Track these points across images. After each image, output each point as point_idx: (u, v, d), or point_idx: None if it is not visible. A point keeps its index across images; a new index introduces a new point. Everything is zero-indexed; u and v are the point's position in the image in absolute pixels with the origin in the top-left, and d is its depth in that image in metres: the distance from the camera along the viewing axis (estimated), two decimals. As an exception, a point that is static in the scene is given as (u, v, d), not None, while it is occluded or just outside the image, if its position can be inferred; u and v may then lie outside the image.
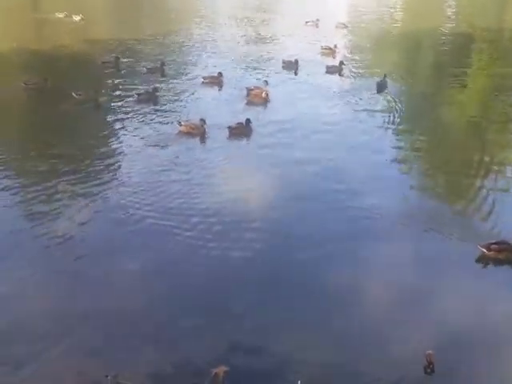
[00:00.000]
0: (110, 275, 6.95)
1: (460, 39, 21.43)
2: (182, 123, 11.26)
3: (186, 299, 6.61)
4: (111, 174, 9.51)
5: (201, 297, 6.63)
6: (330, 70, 15.41)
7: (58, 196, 8.79)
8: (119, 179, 9.28)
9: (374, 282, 7.01)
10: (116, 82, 14.48)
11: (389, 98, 13.65)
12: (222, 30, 22.14)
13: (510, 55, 19.24)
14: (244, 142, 11.02)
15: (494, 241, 7.31)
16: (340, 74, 15.33)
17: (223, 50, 18.20)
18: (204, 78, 14.28)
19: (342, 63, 15.53)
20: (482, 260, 7.30)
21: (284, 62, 15.61)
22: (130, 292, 6.67)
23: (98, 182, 9.21)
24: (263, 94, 13.08)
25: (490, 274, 7.26)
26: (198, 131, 11.11)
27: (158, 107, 12.75)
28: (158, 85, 13.80)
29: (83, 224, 8.00)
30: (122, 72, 15.43)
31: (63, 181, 9.20)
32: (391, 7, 29.33)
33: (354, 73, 15.74)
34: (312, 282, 6.92)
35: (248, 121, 11.18)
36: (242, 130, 11.16)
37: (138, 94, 13.17)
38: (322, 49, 17.76)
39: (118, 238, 7.77)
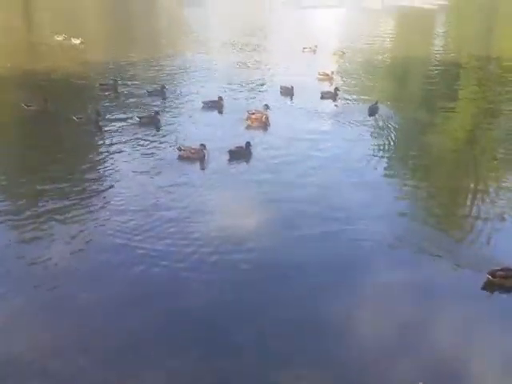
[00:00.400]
0: (96, 304, 6.76)
1: (448, 67, 22.08)
2: (182, 148, 11.25)
3: (174, 333, 6.38)
4: (106, 198, 9.46)
5: (189, 330, 6.39)
6: (326, 96, 15.71)
7: (47, 221, 8.64)
8: (113, 204, 9.19)
9: (371, 312, 6.90)
10: (116, 104, 14.66)
11: (380, 122, 13.96)
12: (218, 55, 22.47)
13: (497, 82, 19.93)
14: (243, 165, 11.10)
15: (499, 267, 7.30)
16: (334, 100, 15.59)
17: (221, 75, 18.49)
18: (204, 102, 14.48)
19: (336, 89, 15.85)
20: (488, 287, 7.23)
21: (282, 88, 15.83)
22: (114, 324, 6.46)
23: (91, 207, 9.14)
24: (263, 118, 13.30)
25: (496, 301, 7.23)
26: (198, 156, 11.14)
27: (159, 131, 12.84)
28: (158, 108, 13.93)
29: (72, 252, 7.81)
30: (122, 95, 15.58)
31: (56, 206, 9.04)
32: (382, 36, 30.15)
33: (348, 98, 16.04)
34: (306, 315, 6.75)
35: (248, 144, 11.35)
36: (241, 153, 11.29)
37: (140, 118, 13.27)
38: (319, 75, 18.13)
39: (106, 267, 7.56)
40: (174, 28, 29.64)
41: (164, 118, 13.51)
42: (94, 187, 9.90)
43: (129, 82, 16.98)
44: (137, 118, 13.33)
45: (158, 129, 13.01)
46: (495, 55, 25.37)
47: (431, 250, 8.14)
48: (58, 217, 8.78)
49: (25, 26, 28.00)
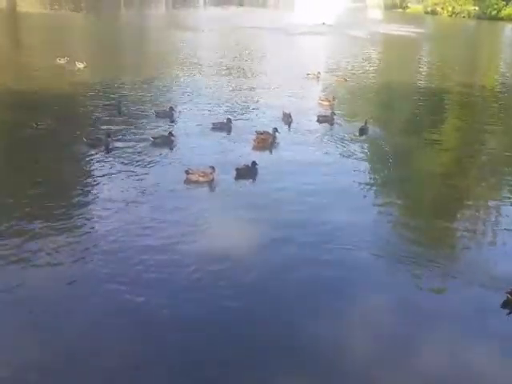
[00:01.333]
0: (77, 334, 6.63)
1: (435, 92, 23.48)
2: (190, 171, 11.38)
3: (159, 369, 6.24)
4: (110, 221, 9.47)
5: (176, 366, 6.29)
6: (322, 120, 16.48)
7: (33, 244, 8.57)
8: (115, 228, 9.18)
9: (384, 339, 6.89)
10: (125, 126, 14.95)
11: (369, 142, 15.11)
12: (220, 77, 23.11)
13: (480, 108, 21.32)
14: (249, 185, 11.63)
15: None
16: (331, 124, 16.35)
17: (225, 98, 19.13)
18: (214, 123, 15.05)
19: (333, 114, 16.63)
20: (508, 306, 7.48)
21: (284, 114, 16.36)
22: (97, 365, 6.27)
23: (90, 230, 9.15)
24: (270, 140, 13.99)
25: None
26: (207, 179, 11.33)
27: (171, 152, 13.20)
28: (170, 129, 14.34)
29: (59, 277, 7.67)
30: (129, 116, 15.96)
31: (50, 231, 8.99)
32: (373, 62, 31.55)
33: (343, 121, 16.99)
34: (299, 344, 6.68)
35: (254, 163, 11.90)
36: (248, 172, 11.83)
37: (154, 138, 13.62)
38: (321, 100, 18.94)
39: (99, 295, 7.41)
40: (174, 51, 30.33)
41: (174, 140, 13.82)
42: (97, 210, 9.94)
43: (135, 104, 17.42)
44: (151, 138, 13.65)
45: (171, 149, 13.35)
46: (479, 82, 26.95)
47: (438, 272, 8.42)
48: (53, 240, 8.63)
49: (21, 48, 28.33)
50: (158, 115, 15.87)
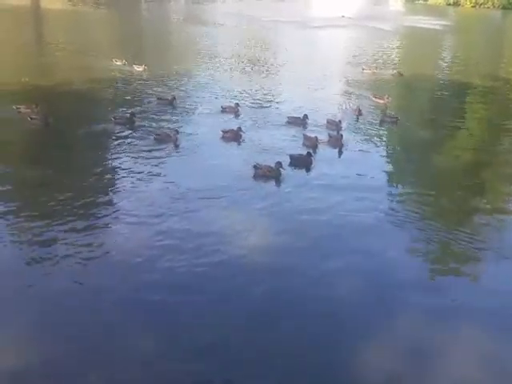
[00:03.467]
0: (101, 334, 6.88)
1: (457, 86, 24.22)
2: (259, 166, 11.81)
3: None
4: (190, 217, 9.85)
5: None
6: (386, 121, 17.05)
7: (53, 243, 8.80)
8: (174, 226, 9.51)
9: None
10: (192, 122, 15.79)
11: (389, 131, 16.03)
12: (278, 76, 23.91)
13: (505, 102, 21.93)
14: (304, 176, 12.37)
15: None
16: (395, 124, 16.83)
17: (291, 95, 19.83)
18: (289, 117, 15.93)
19: (360, 111, 17.37)
20: None
21: (354, 109, 16.97)
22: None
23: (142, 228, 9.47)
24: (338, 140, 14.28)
25: None
26: (274, 174, 11.80)
27: (240, 147, 13.90)
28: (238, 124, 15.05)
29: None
30: (196, 113, 16.83)
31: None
32: (396, 55, 32.33)
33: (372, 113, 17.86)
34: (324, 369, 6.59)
35: (309, 154, 12.77)
36: (302, 161, 12.68)
37: (224, 132, 14.38)
38: (374, 97, 19.29)
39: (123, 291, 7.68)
40: (213, 46, 31.13)
41: (244, 134, 14.53)
42: (173, 204, 10.31)
43: (198, 100, 18.31)
44: (220, 132, 14.46)
45: (239, 143, 14.10)
46: (504, 76, 27.73)
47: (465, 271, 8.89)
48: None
49: (67, 49, 29.15)
50: (224, 110, 16.71)
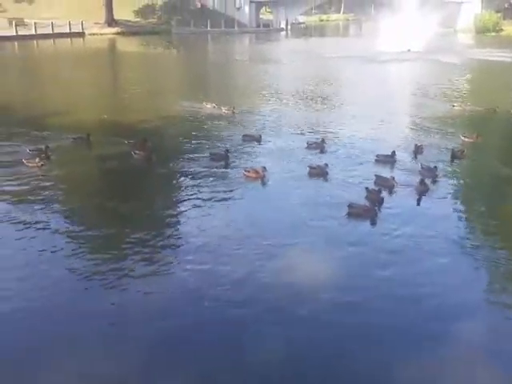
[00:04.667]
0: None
1: None
2: (353, 205, 11.81)
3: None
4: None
5: None
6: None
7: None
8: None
9: None
10: (277, 156, 16.05)
11: (460, 167, 15.31)
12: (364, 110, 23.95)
13: None
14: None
15: None
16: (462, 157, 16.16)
17: (377, 133, 19.53)
18: (378, 156, 15.73)
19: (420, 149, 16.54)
20: None
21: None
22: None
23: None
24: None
25: None
26: (369, 214, 11.68)
27: (327, 183, 14.02)
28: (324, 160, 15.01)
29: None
30: (279, 148, 17.14)
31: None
32: (470, 90, 31.44)
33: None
34: None
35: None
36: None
37: (311, 168, 14.44)
38: (464, 136, 18.04)
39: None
40: (285, 85, 31.89)
41: (333, 170, 14.60)
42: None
43: (284, 137, 18.69)
44: (307, 168, 14.56)
45: (326, 180, 14.10)
46: None
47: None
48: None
49: (155, 88, 30.70)
50: (310, 147, 16.91)
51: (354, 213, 11.66)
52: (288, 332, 7.90)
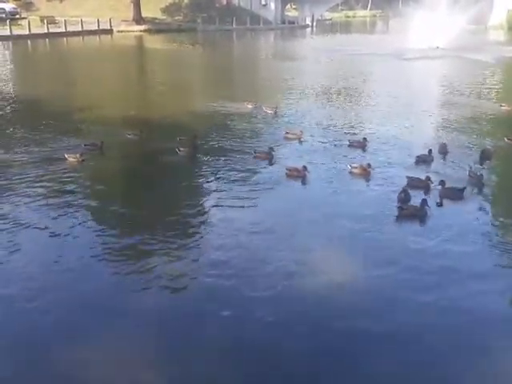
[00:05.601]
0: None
1: None
2: (404, 207, 11.68)
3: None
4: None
5: None
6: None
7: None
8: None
9: None
10: (321, 155, 16.12)
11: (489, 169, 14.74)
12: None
13: None
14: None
15: None
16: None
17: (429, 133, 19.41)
18: (418, 157, 15.46)
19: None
20: None
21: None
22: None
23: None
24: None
25: None
26: (420, 213, 11.46)
27: (369, 184, 13.93)
28: (367, 160, 15.01)
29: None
30: (321, 146, 17.27)
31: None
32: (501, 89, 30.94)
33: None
34: None
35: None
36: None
37: (352, 167, 14.44)
38: (508, 139, 17.16)
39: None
40: (312, 82, 31.85)
41: (376, 170, 14.50)
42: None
43: (324, 135, 18.71)
44: (348, 167, 14.53)
45: (368, 180, 13.94)
46: None
47: None
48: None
49: (185, 85, 31.00)
50: (351, 145, 16.89)
51: (406, 214, 11.50)
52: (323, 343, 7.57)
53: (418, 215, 11.45)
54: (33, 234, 10.91)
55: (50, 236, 10.86)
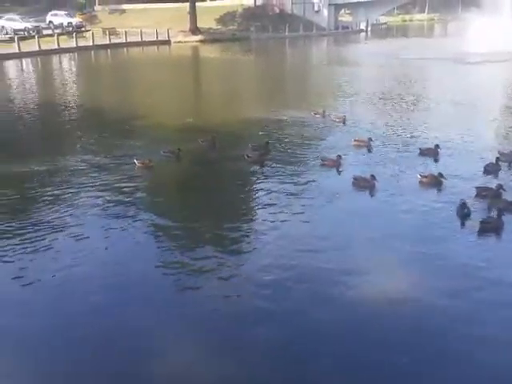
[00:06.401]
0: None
1: None
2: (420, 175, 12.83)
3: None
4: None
5: None
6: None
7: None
8: None
9: None
10: (389, 163, 15.85)
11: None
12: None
13: None
14: None
15: None
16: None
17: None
18: (487, 165, 14.98)
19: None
20: None
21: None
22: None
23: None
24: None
25: None
26: (495, 225, 11.04)
27: (441, 193, 13.54)
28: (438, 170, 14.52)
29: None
30: (387, 154, 16.99)
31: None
32: None
33: None
34: None
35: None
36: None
37: (422, 176, 14.03)
38: None
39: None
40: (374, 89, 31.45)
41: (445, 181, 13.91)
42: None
43: (393, 142, 18.43)
44: (418, 176, 14.09)
45: (439, 190, 13.55)
46: None
47: None
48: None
49: (237, 93, 31.29)
50: (422, 153, 16.47)
51: (488, 228, 10.97)
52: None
53: (497, 227, 10.94)
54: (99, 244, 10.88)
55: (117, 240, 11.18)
